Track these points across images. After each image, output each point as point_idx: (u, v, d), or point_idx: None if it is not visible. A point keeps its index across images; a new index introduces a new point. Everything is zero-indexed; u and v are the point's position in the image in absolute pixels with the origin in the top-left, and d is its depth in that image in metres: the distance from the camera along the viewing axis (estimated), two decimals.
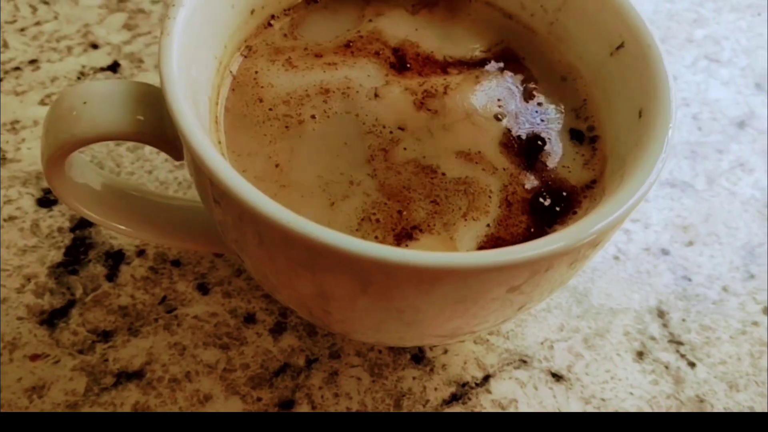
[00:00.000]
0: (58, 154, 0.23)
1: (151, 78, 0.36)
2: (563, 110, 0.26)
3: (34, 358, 0.28)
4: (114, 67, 0.36)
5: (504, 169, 0.25)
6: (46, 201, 0.31)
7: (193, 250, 0.30)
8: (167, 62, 0.21)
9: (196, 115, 0.21)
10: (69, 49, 0.36)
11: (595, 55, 0.26)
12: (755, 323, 0.32)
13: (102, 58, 0.36)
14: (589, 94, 0.26)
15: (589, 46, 0.26)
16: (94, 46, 0.37)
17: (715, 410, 0.29)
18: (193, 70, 0.23)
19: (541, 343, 0.30)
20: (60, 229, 0.31)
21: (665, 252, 0.33)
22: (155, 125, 0.22)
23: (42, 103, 0.34)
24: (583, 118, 0.26)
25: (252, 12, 0.26)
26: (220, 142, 0.24)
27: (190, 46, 0.23)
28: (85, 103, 0.22)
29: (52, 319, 0.29)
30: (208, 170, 0.20)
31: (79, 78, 0.35)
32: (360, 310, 0.23)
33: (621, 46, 0.25)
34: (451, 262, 0.20)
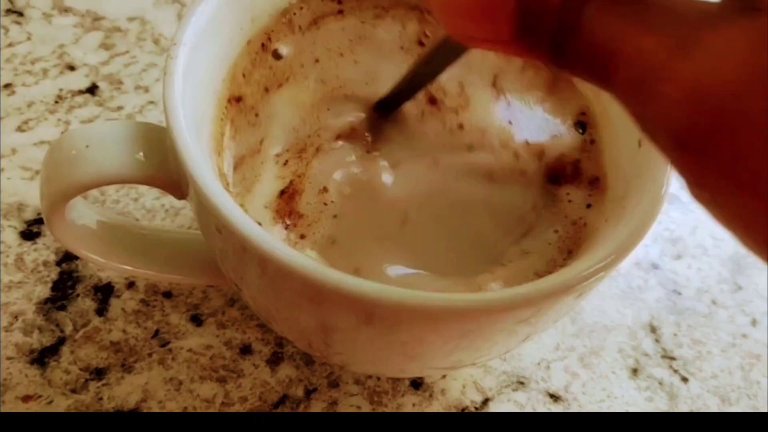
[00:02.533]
0: (60, 200, 0.22)
1: (131, 100, 0.35)
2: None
3: (27, 399, 0.27)
4: (92, 90, 0.35)
5: None
6: (30, 234, 0.30)
7: (194, 284, 0.30)
8: (173, 106, 0.21)
9: (201, 156, 0.21)
10: (44, 71, 0.35)
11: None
12: (744, 335, 0.32)
13: (79, 81, 0.35)
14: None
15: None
16: (71, 68, 0.36)
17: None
18: (195, 107, 0.23)
19: (538, 364, 0.30)
20: (45, 263, 0.30)
21: (655, 266, 0.33)
22: (159, 167, 0.22)
23: (19, 129, 0.33)
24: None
25: (248, 42, 0.26)
26: (224, 174, 0.24)
27: (192, 84, 0.22)
28: (87, 146, 0.22)
29: (42, 357, 0.28)
30: (218, 215, 0.19)
31: (56, 102, 0.34)
32: (361, 343, 0.23)
33: None
34: (458, 302, 0.19)
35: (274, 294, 0.22)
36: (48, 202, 0.23)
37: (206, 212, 0.20)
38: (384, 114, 0.25)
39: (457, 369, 0.28)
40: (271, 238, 0.19)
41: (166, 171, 0.22)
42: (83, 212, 0.25)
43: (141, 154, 0.22)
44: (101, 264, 0.26)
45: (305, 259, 0.19)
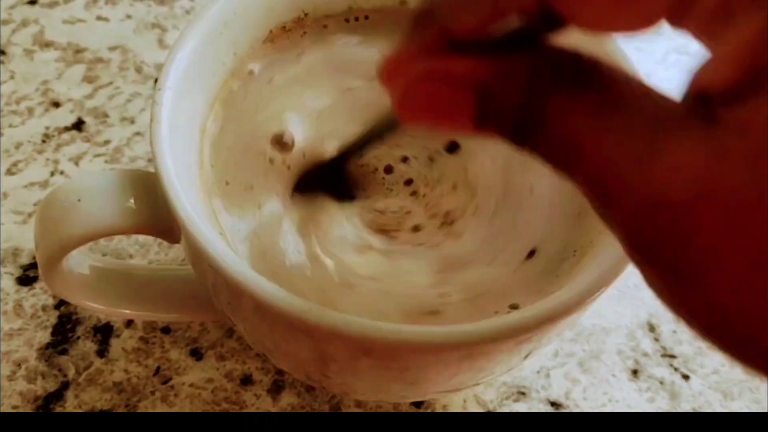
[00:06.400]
0: (55, 256, 0.22)
1: (117, 132, 0.35)
2: None
3: None
4: (78, 125, 0.35)
5: None
6: (27, 279, 0.31)
7: (193, 320, 0.30)
8: (160, 153, 0.21)
9: (192, 200, 0.21)
10: (30, 110, 0.35)
11: None
12: None
13: (65, 117, 0.35)
14: None
15: None
16: (56, 104, 0.36)
17: None
18: (183, 149, 0.23)
19: (538, 372, 0.30)
20: (44, 308, 0.30)
21: None
22: (151, 215, 0.22)
23: (9, 172, 0.33)
24: None
25: (232, 74, 0.26)
26: (215, 212, 0.24)
27: (179, 126, 0.22)
28: (79, 200, 0.22)
29: (47, 404, 0.28)
30: (212, 262, 0.20)
31: (44, 141, 0.34)
32: (361, 373, 0.23)
33: None
34: (459, 335, 0.20)
35: (270, 333, 0.23)
36: (43, 259, 0.23)
37: (200, 259, 0.21)
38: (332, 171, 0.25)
39: (460, 390, 0.28)
40: (265, 282, 0.20)
41: (158, 218, 0.22)
42: (78, 260, 0.26)
43: (133, 203, 0.22)
44: (100, 311, 0.26)
45: (301, 302, 0.19)
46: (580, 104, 0.14)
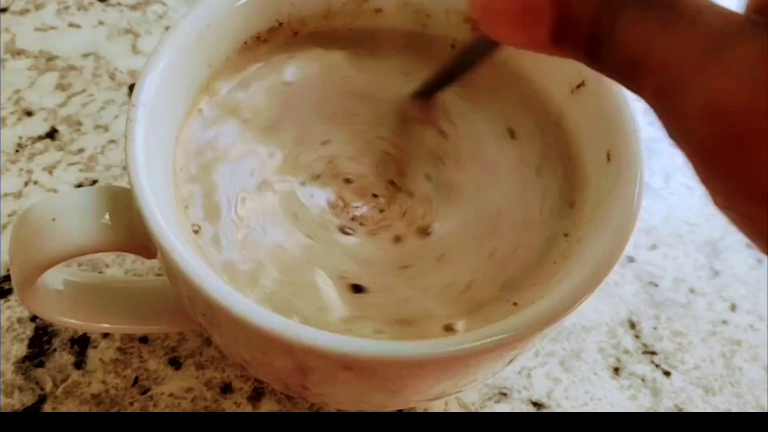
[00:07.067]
0: (30, 276, 0.22)
1: (91, 141, 0.35)
2: None
3: None
4: (52, 134, 0.35)
5: None
6: (1, 291, 0.30)
7: (171, 331, 0.30)
8: (135, 171, 0.21)
9: (167, 216, 0.21)
10: (2, 120, 0.35)
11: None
12: (724, 322, 0.32)
13: (38, 126, 0.35)
14: None
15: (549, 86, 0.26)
16: (29, 113, 0.35)
17: None
18: (159, 164, 0.23)
19: (519, 373, 0.30)
20: (20, 320, 0.30)
21: (631, 259, 0.33)
22: (128, 232, 0.22)
23: None
24: None
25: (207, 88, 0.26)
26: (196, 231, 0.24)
27: (154, 141, 0.22)
28: (53, 220, 0.21)
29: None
30: (188, 281, 0.20)
31: (17, 151, 0.34)
32: (341, 384, 0.23)
33: (581, 84, 0.24)
34: (442, 351, 0.19)
35: (248, 347, 0.23)
36: (18, 279, 0.23)
37: (176, 278, 0.20)
38: (421, 100, 0.26)
39: (442, 398, 0.28)
40: (242, 298, 0.19)
41: (135, 236, 0.22)
42: (52, 276, 0.25)
43: (108, 221, 0.22)
44: (76, 326, 0.26)
45: (278, 319, 0.19)
46: (648, 18, 0.15)
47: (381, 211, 0.24)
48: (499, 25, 0.17)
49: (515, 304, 0.23)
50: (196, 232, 0.23)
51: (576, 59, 0.16)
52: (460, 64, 0.24)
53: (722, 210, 0.15)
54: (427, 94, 0.25)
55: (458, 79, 0.25)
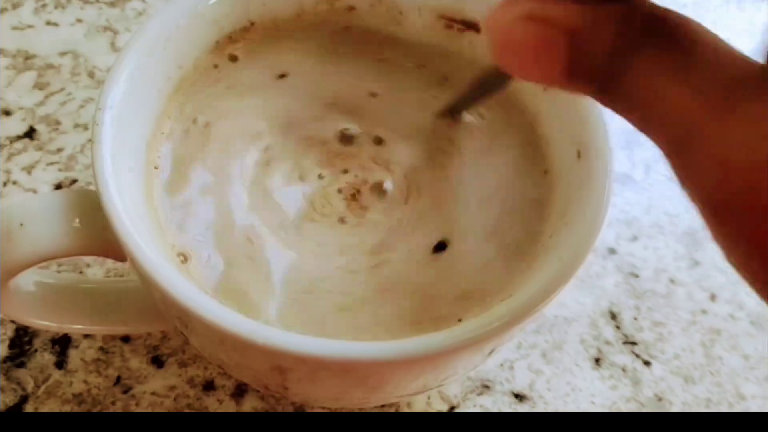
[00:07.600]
0: (0, 282, 0.22)
1: (70, 140, 0.34)
2: None
3: None
4: (30, 134, 0.34)
5: None
6: None
7: (149, 331, 0.30)
8: (102, 176, 0.21)
9: (135, 218, 0.21)
10: None
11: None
12: (704, 311, 0.32)
13: (17, 126, 0.35)
14: None
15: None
16: (7, 113, 0.35)
17: (673, 406, 0.30)
18: (128, 167, 0.23)
19: (501, 365, 0.31)
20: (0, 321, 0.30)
21: (612, 251, 0.34)
22: (98, 235, 0.22)
23: None
24: None
25: (176, 91, 0.25)
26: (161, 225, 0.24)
27: (122, 144, 0.22)
28: (22, 225, 0.21)
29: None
30: (155, 283, 0.20)
31: None
32: (321, 382, 0.23)
33: None
34: (412, 352, 0.19)
35: (224, 351, 0.23)
36: None
37: (146, 282, 0.20)
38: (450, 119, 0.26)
39: (424, 393, 0.28)
40: (212, 303, 0.20)
41: (105, 239, 0.22)
42: (24, 277, 0.25)
43: (78, 224, 0.22)
44: (51, 328, 0.26)
45: (251, 323, 0.19)
46: (664, 61, 0.14)
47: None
48: (515, 58, 0.16)
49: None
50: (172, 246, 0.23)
51: (589, 95, 0.16)
52: (477, 91, 0.24)
53: (737, 269, 0.14)
54: (448, 115, 0.26)
55: (478, 102, 0.25)
